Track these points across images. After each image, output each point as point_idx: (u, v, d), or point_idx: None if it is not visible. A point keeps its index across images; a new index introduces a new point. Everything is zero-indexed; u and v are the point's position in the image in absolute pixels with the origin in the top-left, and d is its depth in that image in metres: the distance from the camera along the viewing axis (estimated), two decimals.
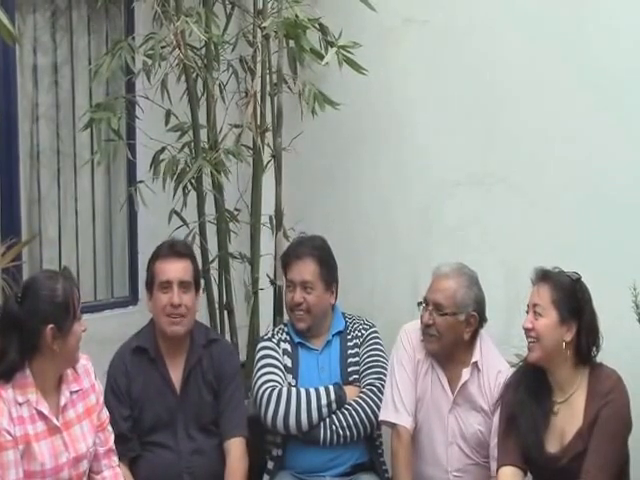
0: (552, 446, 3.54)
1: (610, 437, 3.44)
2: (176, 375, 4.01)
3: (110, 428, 3.62)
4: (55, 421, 3.36)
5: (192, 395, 4.01)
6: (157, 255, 4.02)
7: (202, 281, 4.22)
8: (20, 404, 3.30)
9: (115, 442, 3.68)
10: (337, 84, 4.53)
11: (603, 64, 4.04)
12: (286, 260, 4.27)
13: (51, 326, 3.30)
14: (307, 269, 4.18)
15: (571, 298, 3.52)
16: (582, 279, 3.55)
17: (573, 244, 4.09)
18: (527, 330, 3.55)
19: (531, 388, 3.60)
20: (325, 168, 4.98)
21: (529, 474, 3.66)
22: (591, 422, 3.46)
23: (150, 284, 4.02)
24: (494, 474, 3.68)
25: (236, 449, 3.99)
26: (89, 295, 4.73)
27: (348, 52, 4.20)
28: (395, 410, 3.95)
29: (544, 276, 3.56)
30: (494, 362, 3.91)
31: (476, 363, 3.90)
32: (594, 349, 3.56)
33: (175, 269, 3.97)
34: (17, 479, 3.26)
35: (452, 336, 3.88)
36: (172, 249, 4.01)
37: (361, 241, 4.82)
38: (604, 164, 4.06)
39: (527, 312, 3.58)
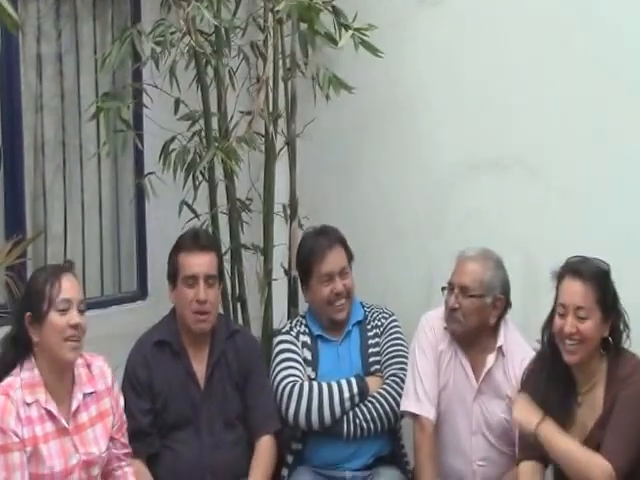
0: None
1: (629, 419, 3.33)
2: (200, 369, 3.93)
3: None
4: (64, 422, 3.29)
5: (217, 389, 3.93)
6: (181, 247, 3.94)
7: None
8: (28, 404, 3.24)
9: (133, 438, 3.63)
10: (349, 68, 4.45)
11: (622, 43, 3.96)
12: (312, 257, 4.14)
13: (29, 314, 3.26)
14: (340, 256, 4.13)
15: (610, 292, 3.39)
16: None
17: (592, 228, 4.02)
18: (570, 334, 3.36)
19: (553, 379, 3.48)
20: (337, 154, 4.90)
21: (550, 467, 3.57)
22: (609, 409, 3.37)
23: (173, 276, 3.94)
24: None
25: (266, 447, 3.94)
26: (96, 291, 4.64)
27: (364, 35, 4.13)
28: (417, 400, 3.88)
29: (579, 272, 3.38)
30: (518, 348, 3.85)
31: (501, 348, 3.83)
32: (624, 337, 3.45)
33: (201, 263, 3.89)
34: None
35: (478, 320, 3.82)
36: (197, 241, 3.92)
37: (376, 228, 4.75)
38: (624, 146, 3.98)
39: (561, 313, 3.39)
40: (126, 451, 3.55)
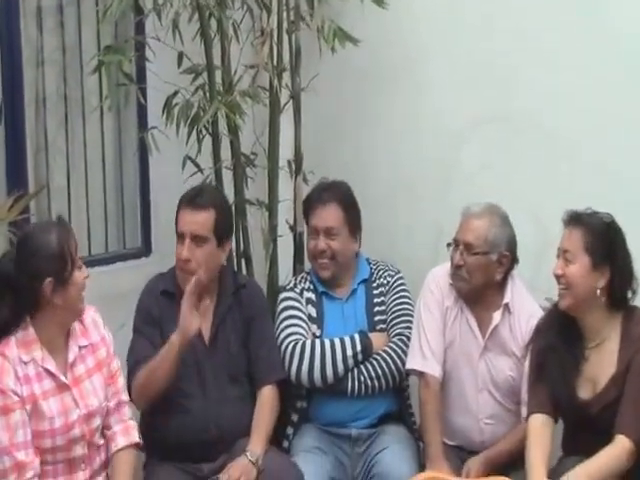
0: (584, 393, 3.45)
1: None
2: (205, 324, 3.87)
3: (122, 380, 3.51)
4: (63, 378, 3.26)
5: (222, 345, 3.89)
6: (180, 203, 3.90)
7: None
8: (25, 363, 3.21)
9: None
10: (354, 21, 4.37)
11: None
12: (308, 206, 4.15)
13: (49, 279, 3.18)
14: (331, 215, 4.07)
15: (604, 243, 3.41)
16: (615, 220, 3.44)
17: (600, 186, 3.95)
18: (557, 276, 3.44)
19: (561, 333, 3.50)
20: (343, 108, 4.81)
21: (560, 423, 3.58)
22: (625, 368, 3.37)
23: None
24: (525, 419, 3.60)
25: (268, 398, 3.90)
26: (100, 247, 4.61)
27: None
28: (423, 358, 3.85)
29: (576, 219, 3.44)
30: (525, 305, 3.83)
31: (507, 305, 3.80)
32: (629, 293, 3.46)
33: (190, 221, 3.82)
34: (25, 441, 3.16)
35: (483, 277, 3.79)
36: (193, 200, 3.85)
37: (381, 185, 4.67)
38: (634, 105, 3.92)
39: (558, 257, 3.46)
40: (118, 400, 3.48)
